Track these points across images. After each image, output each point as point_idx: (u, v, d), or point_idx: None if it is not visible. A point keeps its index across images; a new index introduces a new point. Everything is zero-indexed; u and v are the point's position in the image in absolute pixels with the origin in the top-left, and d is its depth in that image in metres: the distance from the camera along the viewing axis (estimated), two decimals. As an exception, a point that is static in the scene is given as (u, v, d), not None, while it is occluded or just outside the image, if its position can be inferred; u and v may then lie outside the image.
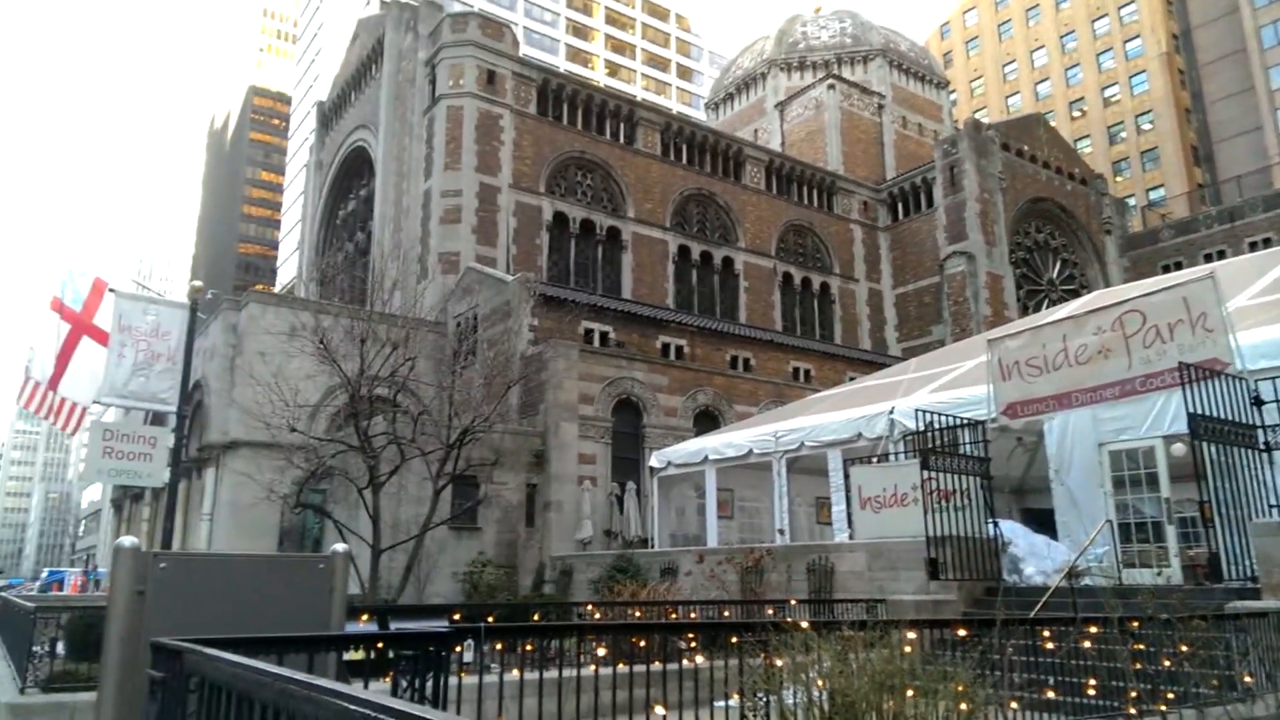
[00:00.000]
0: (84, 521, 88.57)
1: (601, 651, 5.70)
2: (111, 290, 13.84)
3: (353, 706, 1.65)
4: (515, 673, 6.05)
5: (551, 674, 5.10)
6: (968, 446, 12.80)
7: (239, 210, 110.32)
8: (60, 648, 9.63)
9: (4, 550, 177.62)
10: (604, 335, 30.71)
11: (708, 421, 28.66)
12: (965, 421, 13.04)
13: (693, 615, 11.23)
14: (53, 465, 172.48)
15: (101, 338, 15.14)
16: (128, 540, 3.50)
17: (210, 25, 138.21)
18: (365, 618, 9.19)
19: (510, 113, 36.32)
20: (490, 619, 9.69)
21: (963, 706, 5.51)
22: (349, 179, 45.83)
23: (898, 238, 47.52)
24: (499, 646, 7.75)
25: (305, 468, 17.54)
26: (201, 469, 25.90)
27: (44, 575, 56.02)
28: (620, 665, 6.01)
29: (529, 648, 7.82)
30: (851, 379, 30.28)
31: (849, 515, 15.57)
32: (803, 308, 44.55)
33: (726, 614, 11.40)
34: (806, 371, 35.09)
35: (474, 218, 34.34)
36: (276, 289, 64.46)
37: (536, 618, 11.68)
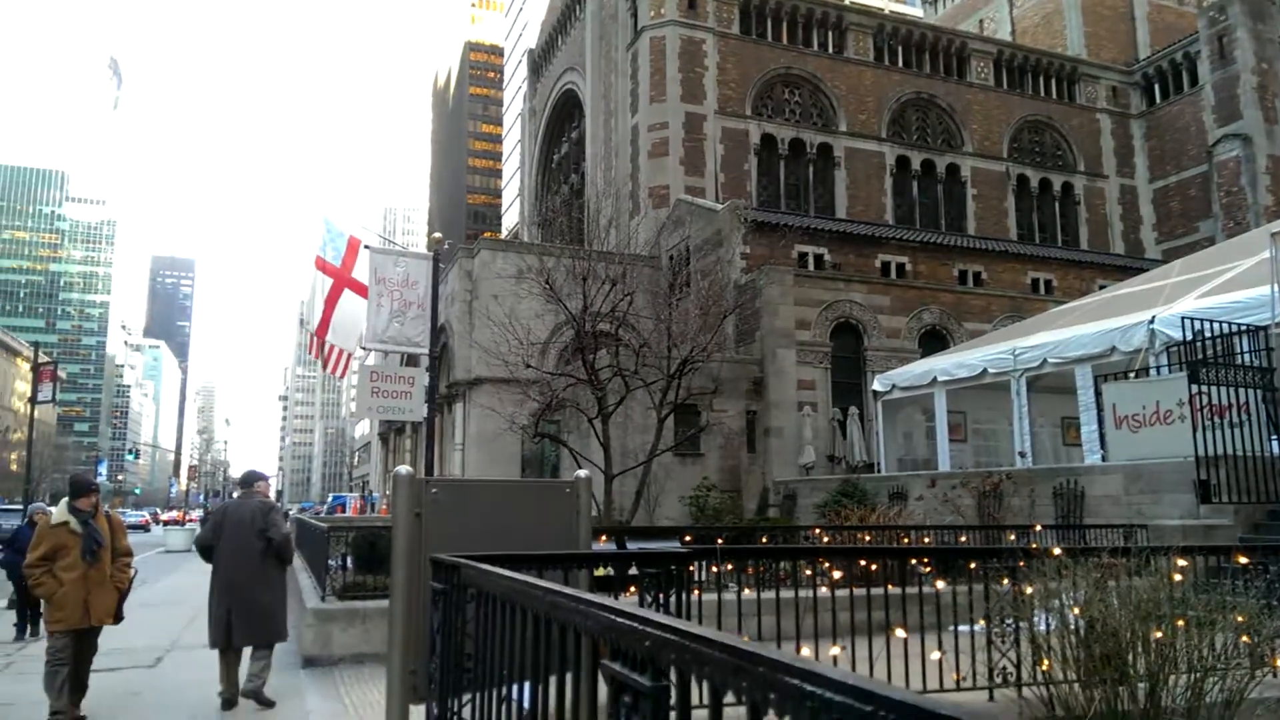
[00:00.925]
0: (357, 453, 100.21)
1: (837, 575, 5.69)
2: (366, 247, 15.25)
3: (620, 619, 1.74)
4: (748, 591, 6.19)
5: (786, 594, 5.16)
6: (1246, 356, 11.31)
7: (465, 162, 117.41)
8: (349, 562, 10.88)
9: (295, 479, 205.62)
10: (819, 258, 29.93)
11: (935, 341, 27.32)
12: (1243, 328, 11.48)
13: (926, 540, 10.91)
14: (329, 404, 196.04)
15: (359, 290, 16.74)
16: (404, 469, 3.90)
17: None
18: (604, 538, 9.76)
19: (713, 36, 35.64)
20: (719, 541, 9.94)
21: (1244, 639, 4.99)
22: (561, 123, 47.27)
23: (1154, 125, 42.04)
24: (729, 567, 7.96)
25: (540, 400, 18.70)
26: (451, 404, 28.37)
27: (329, 500, 63.96)
28: (853, 589, 5.97)
29: (760, 569, 7.96)
30: (1101, 287, 27.54)
31: (1101, 436, 14.35)
32: (1041, 213, 40.85)
33: (963, 539, 10.98)
34: (1047, 282, 32.40)
35: (681, 149, 34.35)
36: (503, 235, 68.31)
37: (764, 540, 11.86)
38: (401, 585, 3.71)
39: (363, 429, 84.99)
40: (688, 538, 9.81)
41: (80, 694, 6.69)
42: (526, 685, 2.46)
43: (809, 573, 5.45)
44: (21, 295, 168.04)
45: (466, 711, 2.89)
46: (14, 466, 72.67)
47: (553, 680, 2.30)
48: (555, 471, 24.79)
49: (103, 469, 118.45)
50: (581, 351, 18.28)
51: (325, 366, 23.64)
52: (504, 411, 19.74)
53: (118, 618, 6.90)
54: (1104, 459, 13.96)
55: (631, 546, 8.08)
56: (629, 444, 22.16)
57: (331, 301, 17.01)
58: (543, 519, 4.37)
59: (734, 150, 35.44)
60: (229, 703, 6.97)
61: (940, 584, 5.86)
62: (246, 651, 7.22)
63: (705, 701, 1.50)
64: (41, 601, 7.01)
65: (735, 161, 35.36)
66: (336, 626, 9.01)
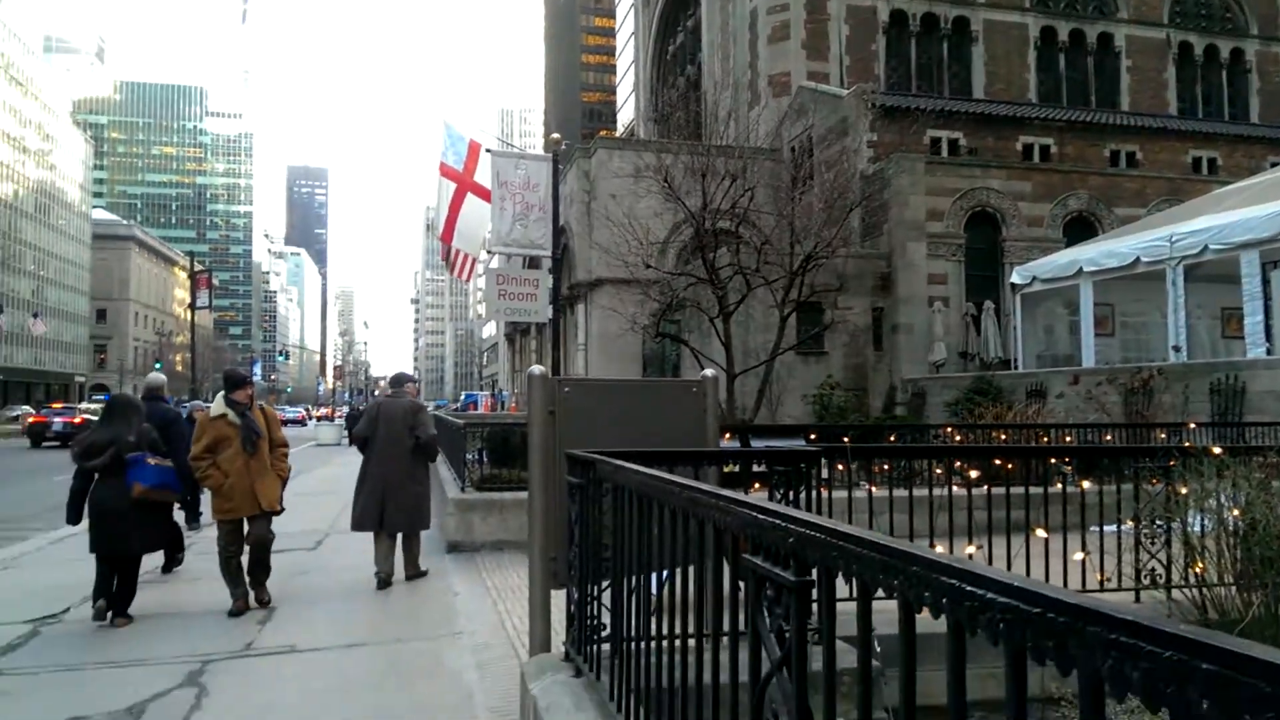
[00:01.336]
0: (485, 353, 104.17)
1: (974, 474, 5.53)
2: (486, 150, 15.37)
3: (762, 516, 1.73)
4: (877, 490, 6.13)
5: (918, 492, 5.07)
6: None
7: (578, 59, 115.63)
8: (484, 456, 11.42)
9: (430, 378, 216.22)
10: (953, 143, 28.22)
11: (1081, 229, 25.53)
12: None
13: (1067, 439, 10.45)
14: (457, 307, 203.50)
15: (481, 193, 16.97)
16: (537, 369, 3.98)
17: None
18: (728, 436, 9.82)
19: (835, -95, 33.16)
20: (845, 440, 9.84)
21: None
22: (675, 12, 45.60)
23: (1345, -25, 36.83)
24: (855, 465, 7.88)
25: (660, 300, 18.74)
26: (573, 305, 28.85)
27: (462, 397, 67.06)
28: (990, 488, 5.80)
29: (890, 467, 7.85)
30: (1273, 165, 24.88)
31: (1268, 327, 13.21)
32: (1205, 84, 36.87)
33: (1108, 438, 10.45)
34: (1210, 161, 29.56)
35: (802, 31, 32.58)
36: (619, 133, 67.49)
37: (892, 439, 11.66)
38: (538, 479, 3.85)
39: (490, 330, 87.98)
40: (812, 435, 9.75)
41: (264, 575, 7.01)
42: (664, 574, 2.51)
43: (940, 472, 5.32)
44: (173, 208, 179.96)
45: (606, 597, 2.99)
46: (179, 367, 79.63)
47: (690, 571, 2.34)
48: (676, 371, 25.01)
49: (257, 369, 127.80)
50: (701, 250, 18.08)
51: (452, 270, 24.40)
52: (625, 312, 19.90)
53: (278, 509, 7.08)
54: (1269, 352, 12.89)
55: (756, 444, 8.10)
56: (750, 343, 22.01)
57: (455, 206, 17.34)
58: (671, 417, 4.39)
59: (860, 30, 33.34)
60: (384, 582, 7.66)
61: (1085, 484, 5.62)
62: (398, 538, 7.93)
63: (851, 596, 1.48)
64: (208, 493, 7.05)
65: (861, 42, 33.31)
66: (476, 515, 9.54)
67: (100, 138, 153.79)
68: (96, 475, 6.43)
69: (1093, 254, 17.62)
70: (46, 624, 6.57)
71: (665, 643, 2.38)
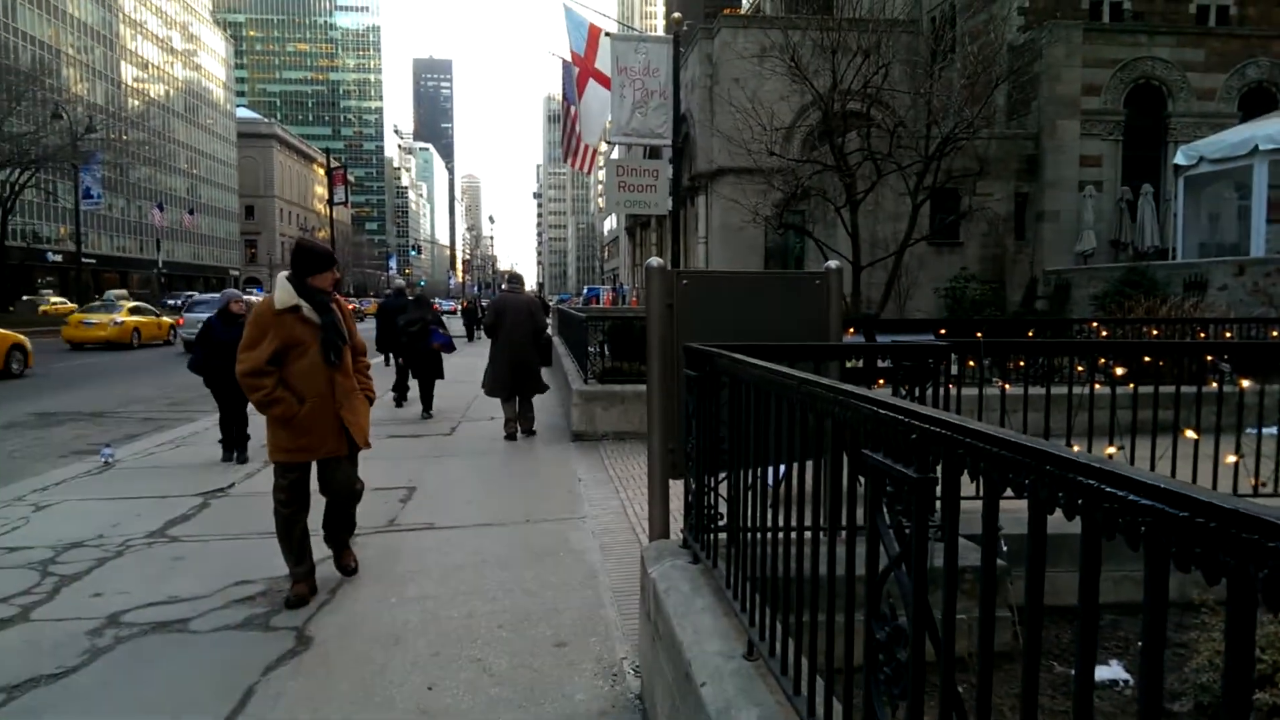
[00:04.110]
0: (606, 247, 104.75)
1: (1120, 371, 5.20)
2: (606, 34, 15.00)
3: (884, 411, 1.67)
4: (1010, 387, 5.85)
5: (1056, 390, 4.81)
6: None
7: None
8: (606, 349, 11.63)
9: (553, 272, 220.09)
10: (1115, 6, 25.50)
11: (1260, 102, 22.86)
12: None
13: (1227, 335, 9.67)
14: (579, 200, 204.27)
15: (602, 80, 16.65)
16: (655, 261, 3.95)
17: None
18: (851, 331, 9.59)
19: None
20: (978, 335, 9.44)
21: None
22: (806, -127, 42.37)
23: None
24: (987, 362, 7.54)
25: (784, 190, 18.14)
26: (694, 197, 28.40)
27: (584, 291, 68.06)
28: (1136, 386, 5.45)
29: (1025, 363, 7.49)
30: None
31: None
32: None
33: (1275, 334, 9.60)
34: None
35: (948, -112, 29.66)
36: (743, 10, 64.36)
37: (1030, 335, 11.10)
38: (657, 372, 3.87)
39: (610, 224, 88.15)
40: (942, 331, 9.39)
41: (348, 532, 5.22)
42: (780, 467, 2.50)
43: (1081, 370, 5.02)
44: (309, 105, 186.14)
45: (723, 488, 3.02)
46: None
47: (808, 465, 2.32)
48: (800, 263, 24.47)
49: (393, 263, 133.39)
50: (829, 135, 17.28)
51: (573, 163, 24.33)
52: (747, 203, 19.43)
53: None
54: None
55: (882, 340, 7.88)
56: (879, 233, 21.19)
57: (578, 93, 17.09)
58: (791, 311, 4.30)
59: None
60: (511, 436, 9.90)
61: (1244, 382, 5.19)
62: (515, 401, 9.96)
63: (977, 494, 1.42)
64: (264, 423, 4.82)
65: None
66: (598, 406, 9.80)
67: (239, 36, 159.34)
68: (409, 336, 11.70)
69: (1272, 130, 15.80)
70: (215, 497, 7.27)
71: (781, 534, 2.39)
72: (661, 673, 3.03)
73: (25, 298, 50.23)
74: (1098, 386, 5.54)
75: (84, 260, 57.72)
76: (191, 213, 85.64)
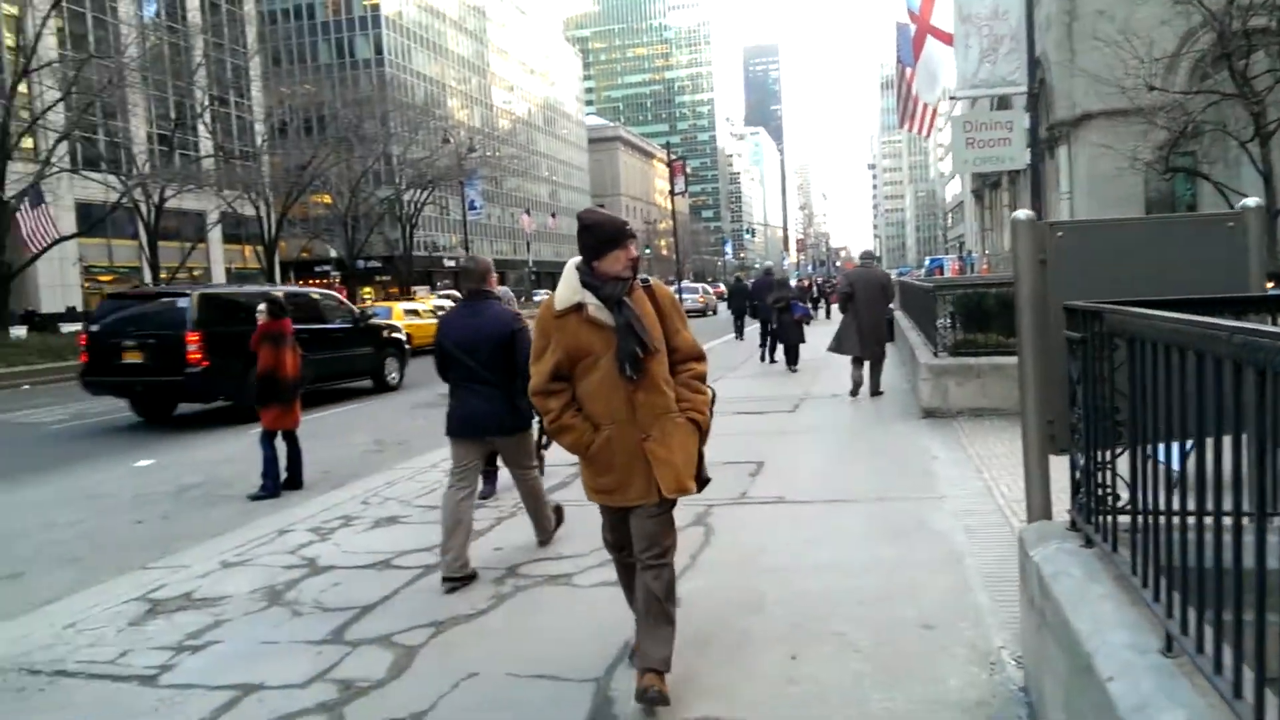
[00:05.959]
0: (949, 214, 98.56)
1: None
2: (945, -16, 14.04)
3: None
4: None
5: None
6: None
7: None
8: (956, 321, 10.97)
9: (890, 244, 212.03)
10: None
11: None
12: None
13: None
14: (916, 167, 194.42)
15: (941, 36, 15.65)
16: (1023, 213, 3.59)
17: None
18: (1270, 284, 8.03)
19: None
20: None
21: None
22: None
23: None
24: None
25: (1170, 128, 15.68)
26: (1053, 148, 25.63)
27: (926, 263, 64.74)
28: None
29: None
30: None
31: None
32: None
33: None
34: None
35: None
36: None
37: None
38: (1029, 336, 3.51)
39: (954, 189, 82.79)
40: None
41: (662, 628, 3.36)
42: (1204, 440, 2.13)
43: None
44: (648, 105, 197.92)
45: (1121, 465, 2.66)
46: (664, 251, 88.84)
47: (1241, 438, 1.94)
48: (1192, 212, 21.05)
49: (728, 248, 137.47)
50: (1228, 58, 14.62)
51: (910, 126, 23.11)
52: (1121, 148, 17.10)
53: (700, 479, 3.49)
54: None
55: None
56: (1299, 168, 17.52)
57: (915, 54, 16.27)
58: (1192, 261, 3.66)
59: None
60: (854, 391, 11.29)
61: None
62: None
63: None
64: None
65: None
66: (951, 380, 9.24)
67: (585, 50, 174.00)
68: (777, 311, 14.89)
69: None
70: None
71: (1209, 519, 2.03)
72: (1050, 664, 2.75)
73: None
74: None
75: (471, 263, 66.75)
76: (554, 216, 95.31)
